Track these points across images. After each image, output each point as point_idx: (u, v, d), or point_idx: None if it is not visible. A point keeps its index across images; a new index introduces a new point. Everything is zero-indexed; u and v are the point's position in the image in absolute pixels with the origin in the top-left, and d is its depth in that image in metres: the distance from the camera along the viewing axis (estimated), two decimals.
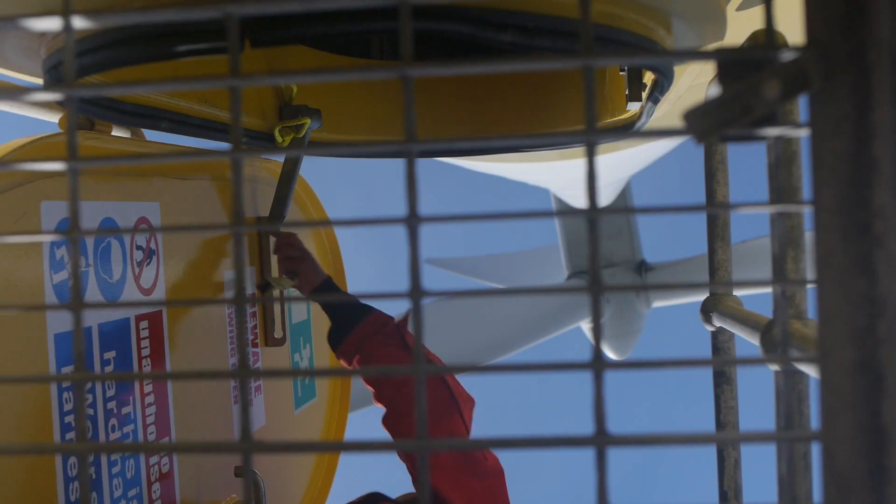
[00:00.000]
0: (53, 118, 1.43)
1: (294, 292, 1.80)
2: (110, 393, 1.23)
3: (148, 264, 1.35)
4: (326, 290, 1.68)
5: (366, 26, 0.85)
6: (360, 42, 1.72)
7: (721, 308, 1.09)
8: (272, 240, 1.76)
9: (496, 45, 0.87)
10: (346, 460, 2.22)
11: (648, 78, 1.27)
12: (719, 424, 1.14)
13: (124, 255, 1.28)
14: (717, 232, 1.14)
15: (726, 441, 0.41)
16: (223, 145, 1.49)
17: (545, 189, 5.31)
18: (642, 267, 6.96)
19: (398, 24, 0.41)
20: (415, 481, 1.50)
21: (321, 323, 1.96)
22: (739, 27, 1.14)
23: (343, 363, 1.64)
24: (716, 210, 0.68)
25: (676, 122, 1.74)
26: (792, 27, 0.53)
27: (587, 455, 0.41)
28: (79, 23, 0.42)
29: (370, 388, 1.56)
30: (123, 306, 0.48)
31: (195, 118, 1.37)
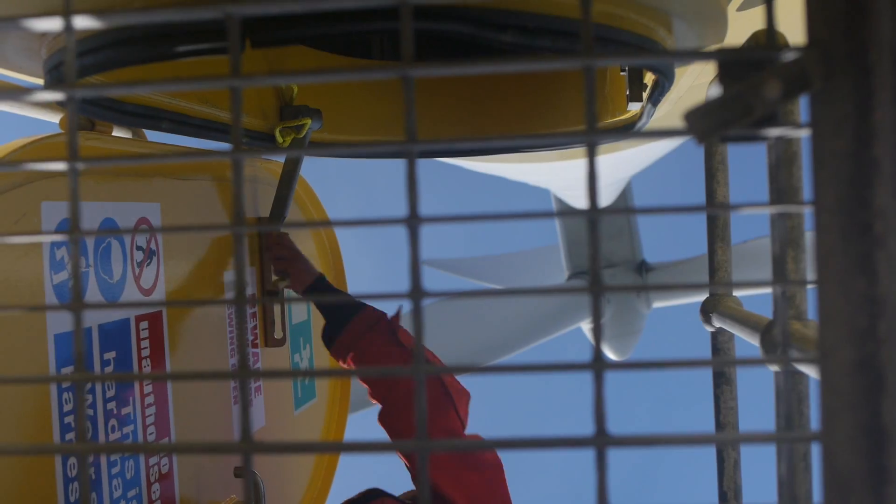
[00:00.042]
0: (54, 118, 1.43)
1: (292, 293, 1.80)
2: (110, 393, 1.23)
3: (148, 265, 1.35)
4: (319, 288, 1.69)
5: (366, 26, 0.85)
6: (360, 42, 1.72)
7: (721, 308, 1.09)
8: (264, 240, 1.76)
9: (497, 46, 0.87)
10: (345, 461, 2.22)
11: (649, 78, 1.27)
12: (719, 425, 1.14)
13: (124, 255, 1.28)
14: (717, 232, 1.14)
15: (726, 441, 0.41)
16: (224, 146, 1.49)
17: (545, 189, 5.31)
18: (643, 267, 6.96)
19: (399, 24, 0.41)
20: (414, 479, 1.50)
21: (321, 323, 1.97)
22: (740, 27, 1.14)
23: (338, 360, 1.65)
24: (716, 210, 0.68)
25: (677, 122, 1.74)
26: (793, 27, 0.53)
27: (587, 455, 0.41)
28: (79, 23, 0.42)
29: (365, 386, 1.57)
30: (123, 307, 0.48)
31: (196, 118, 1.37)
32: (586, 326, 6.84)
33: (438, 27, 0.83)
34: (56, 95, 0.44)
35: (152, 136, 1.48)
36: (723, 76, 0.40)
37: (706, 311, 1.13)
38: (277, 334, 1.83)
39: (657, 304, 7.16)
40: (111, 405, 1.23)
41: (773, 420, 0.81)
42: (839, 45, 0.37)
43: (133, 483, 1.28)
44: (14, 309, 1.04)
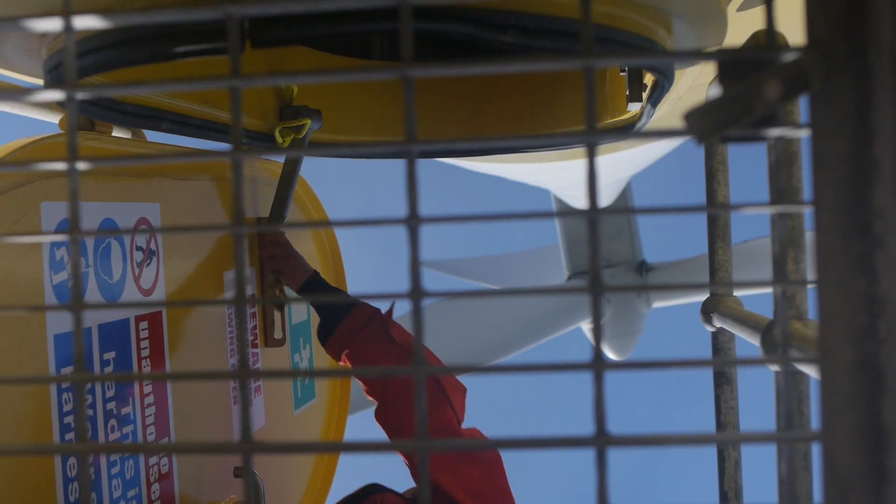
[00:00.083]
0: (54, 119, 1.43)
1: (291, 293, 1.81)
2: (110, 393, 1.23)
3: (148, 265, 1.35)
4: (313, 285, 1.69)
5: (366, 27, 0.85)
6: (360, 43, 1.72)
7: (721, 308, 1.09)
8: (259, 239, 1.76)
9: (497, 46, 0.87)
10: (345, 461, 2.22)
11: (649, 79, 1.27)
12: (719, 425, 1.14)
13: (124, 255, 1.28)
14: (717, 232, 1.14)
15: (726, 441, 0.41)
16: (223, 146, 1.49)
17: (545, 189, 5.31)
18: (643, 267, 6.96)
19: (399, 24, 0.41)
20: (415, 476, 1.50)
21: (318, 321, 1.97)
22: (740, 28, 1.14)
23: (333, 357, 1.66)
24: (716, 210, 0.68)
25: (677, 122, 1.74)
26: (793, 28, 0.53)
27: (587, 455, 0.41)
28: (79, 23, 0.42)
29: (361, 383, 1.58)
30: (123, 307, 0.48)
31: (196, 119, 1.37)
32: (586, 326, 6.83)
33: (438, 27, 0.83)
34: (56, 95, 0.44)
35: (152, 136, 1.48)
36: (723, 76, 0.40)
37: (706, 311, 1.13)
38: (277, 334, 1.83)
39: (657, 304, 7.16)
40: (111, 405, 1.23)
41: (773, 420, 0.81)
42: (839, 45, 0.37)
43: (133, 483, 1.28)
44: (14, 309, 1.04)
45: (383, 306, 1.63)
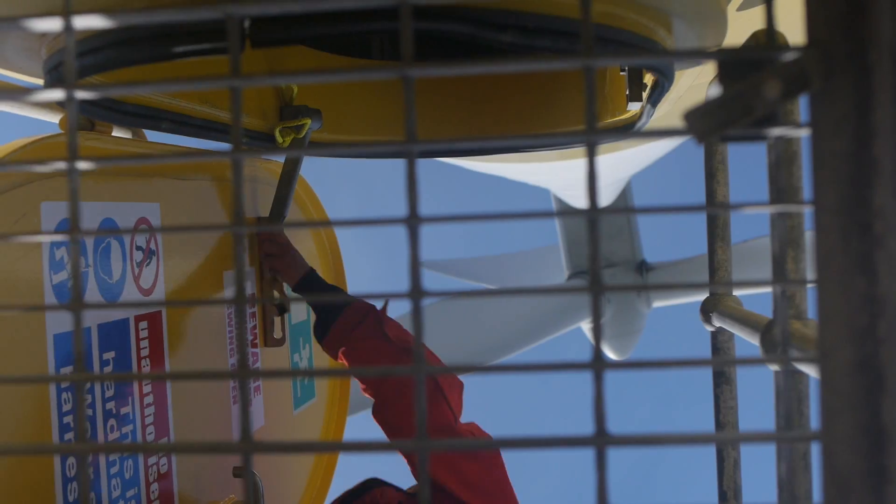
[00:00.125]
0: (54, 119, 1.43)
1: (290, 291, 1.81)
2: (109, 393, 1.23)
3: (147, 265, 1.35)
4: (309, 282, 1.69)
5: (366, 27, 0.85)
6: (360, 42, 1.72)
7: (721, 308, 1.09)
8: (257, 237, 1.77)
9: (496, 46, 0.87)
10: (344, 461, 2.22)
11: (649, 78, 1.27)
12: (719, 424, 1.14)
13: (124, 255, 1.28)
14: (717, 232, 1.14)
15: (726, 441, 0.41)
16: (223, 146, 1.49)
17: (545, 189, 5.31)
18: (643, 267, 6.95)
19: (399, 24, 0.41)
20: (415, 473, 1.50)
21: None
22: (740, 27, 1.14)
23: (329, 354, 1.66)
24: (716, 210, 0.68)
25: (677, 122, 1.74)
26: (793, 27, 0.53)
27: (587, 455, 0.41)
28: (79, 23, 0.42)
29: (358, 381, 1.59)
30: (123, 307, 0.48)
31: (196, 119, 1.37)
32: (586, 326, 6.83)
33: (438, 27, 0.83)
34: (56, 95, 0.44)
35: (152, 136, 1.48)
36: (723, 76, 0.40)
37: (706, 310, 1.13)
38: (277, 334, 1.83)
39: (657, 304, 7.16)
40: (110, 405, 1.23)
41: (773, 420, 0.81)
42: (839, 45, 0.37)
43: (132, 483, 1.28)
44: (14, 309, 1.04)
45: (380, 304, 1.63)
